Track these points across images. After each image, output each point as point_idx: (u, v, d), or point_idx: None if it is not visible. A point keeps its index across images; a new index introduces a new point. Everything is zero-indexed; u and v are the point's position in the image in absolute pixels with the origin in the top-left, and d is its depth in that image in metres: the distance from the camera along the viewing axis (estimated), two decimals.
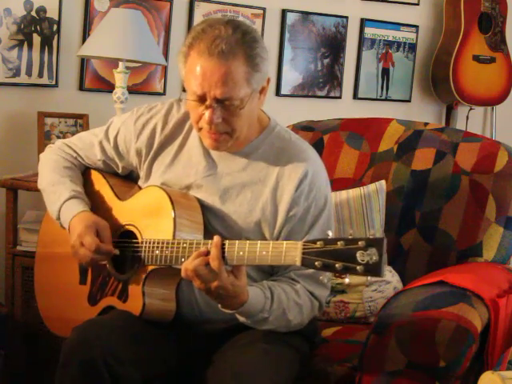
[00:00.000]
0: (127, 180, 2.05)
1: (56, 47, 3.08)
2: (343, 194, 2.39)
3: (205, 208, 1.86)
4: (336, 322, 2.28)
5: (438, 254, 2.33)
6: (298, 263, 1.56)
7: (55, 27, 3.06)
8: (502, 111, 4.50)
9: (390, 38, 4.10)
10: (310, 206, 1.84)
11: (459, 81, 4.16)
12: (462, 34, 4.14)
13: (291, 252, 1.57)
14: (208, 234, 1.81)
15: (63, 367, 1.72)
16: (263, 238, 1.84)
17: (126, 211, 1.92)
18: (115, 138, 2.00)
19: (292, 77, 3.80)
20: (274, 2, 3.67)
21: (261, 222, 1.85)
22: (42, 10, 3.02)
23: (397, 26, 4.10)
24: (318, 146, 2.57)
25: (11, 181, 2.73)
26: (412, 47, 4.19)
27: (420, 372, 1.72)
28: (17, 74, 2.99)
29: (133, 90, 3.17)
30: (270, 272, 1.87)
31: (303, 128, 2.66)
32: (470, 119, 4.39)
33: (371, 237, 1.49)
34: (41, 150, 2.12)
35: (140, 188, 1.98)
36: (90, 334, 1.73)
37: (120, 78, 2.91)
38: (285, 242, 1.62)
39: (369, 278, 1.51)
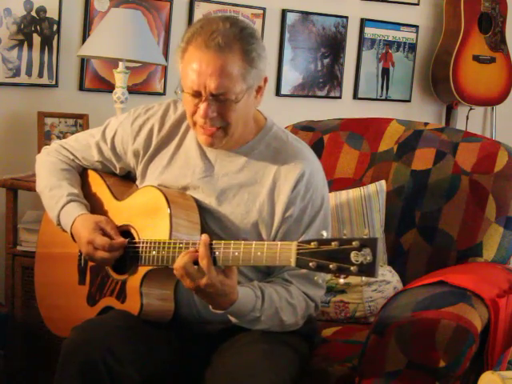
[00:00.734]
0: (125, 180, 2.05)
1: (56, 47, 3.08)
2: (343, 194, 2.39)
3: (202, 209, 1.86)
4: (336, 322, 2.28)
5: (438, 254, 2.33)
6: (293, 264, 1.56)
7: (55, 27, 3.06)
8: (502, 111, 4.50)
9: (390, 38, 4.10)
10: (306, 206, 1.84)
11: (459, 81, 4.16)
12: (461, 34, 4.14)
13: (286, 252, 1.57)
14: None
15: (62, 367, 1.72)
16: (260, 239, 1.83)
17: (123, 211, 1.92)
18: (112, 139, 1.99)
19: (292, 77, 3.80)
20: (273, 2, 3.67)
21: (258, 223, 1.85)
22: (42, 9, 3.02)
23: (397, 25, 4.10)
24: (318, 146, 2.57)
25: (11, 181, 2.73)
26: (412, 47, 4.19)
27: (420, 372, 1.72)
28: (17, 74, 2.99)
29: (133, 90, 3.17)
30: (267, 272, 1.87)
31: (303, 128, 2.66)
32: (470, 119, 4.39)
33: (365, 237, 1.48)
34: (41, 150, 2.12)
35: (137, 188, 1.98)
36: (89, 334, 1.73)
37: (120, 78, 2.91)
38: (279, 242, 1.62)
39: (363, 278, 1.50)
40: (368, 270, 1.46)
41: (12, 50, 2.97)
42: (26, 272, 2.69)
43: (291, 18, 3.73)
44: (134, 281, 1.83)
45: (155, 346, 1.82)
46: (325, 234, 1.55)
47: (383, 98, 4.14)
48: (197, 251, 1.66)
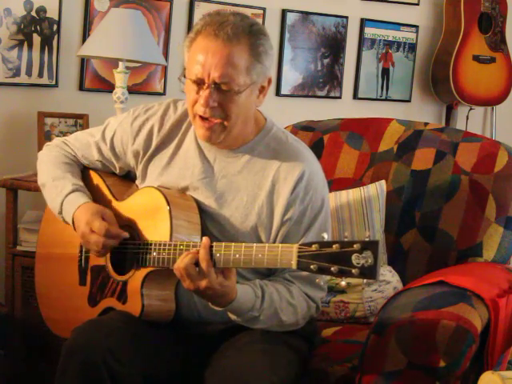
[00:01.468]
0: (125, 179, 2.05)
1: (56, 47, 3.08)
2: (343, 194, 2.39)
3: (201, 211, 1.86)
4: (336, 322, 2.28)
5: (438, 254, 2.33)
6: (294, 266, 1.56)
7: (55, 27, 3.06)
8: (502, 111, 4.50)
9: (390, 38, 4.10)
10: (305, 208, 1.83)
11: (459, 81, 4.16)
12: (461, 34, 4.14)
13: (287, 255, 1.57)
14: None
15: (63, 368, 1.72)
16: (260, 242, 1.83)
17: (123, 212, 1.92)
18: (112, 139, 1.99)
19: (292, 77, 3.80)
20: (273, 2, 3.67)
21: (257, 226, 1.84)
22: (42, 9, 3.02)
23: (397, 26, 4.10)
24: (318, 146, 2.57)
25: (11, 181, 2.73)
26: (412, 47, 4.19)
27: (420, 372, 1.72)
28: (17, 73, 2.99)
29: (133, 90, 3.17)
30: (267, 274, 1.87)
31: (303, 128, 2.66)
32: (470, 119, 4.39)
33: (366, 239, 1.48)
34: (41, 150, 2.12)
35: (137, 187, 1.98)
36: (89, 335, 1.73)
37: (120, 78, 2.91)
38: (280, 244, 1.62)
39: (364, 280, 1.51)
40: (369, 272, 1.47)
41: (12, 50, 2.97)
42: (26, 272, 2.70)
43: (291, 18, 3.73)
44: (134, 282, 1.83)
45: (156, 347, 1.82)
46: (326, 237, 1.55)
47: (383, 98, 4.14)
48: (198, 253, 1.66)
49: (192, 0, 3.41)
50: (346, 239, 1.51)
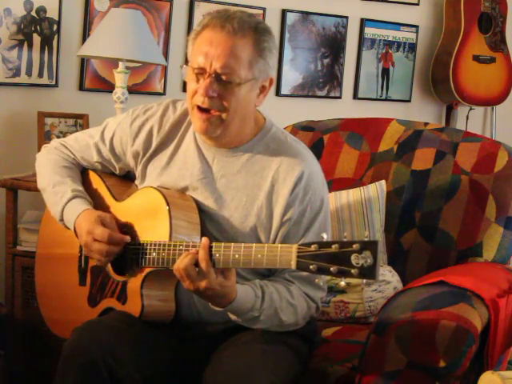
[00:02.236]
0: (124, 180, 2.05)
1: (56, 47, 3.08)
2: (343, 194, 2.39)
3: (200, 212, 1.85)
4: (336, 322, 2.28)
5: (438, 254, 2.32)
6: (294, 266, 1.56)
7: (55, 27, 3.06)
8: (502, 111, 4.50)
9: (390, 38, 4.10)
10: (305, 209, 1.83)
11: (459, 81, 4.16)
12: (461, 33, 4.14)
13: (286, 255, 1.57)
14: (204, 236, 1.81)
15: (63, 368, 1.72)
16: (259, 242, 1.82)
17: (123, 212, 1.92)
18: (111, 140, 1.99)
19: (292, 77, 3.80)
20: (273, 2, 3.67)
21: (256, 227, 1.84)
22: (42, 9, 3.02)
23: (397, 26, 4.10)
24: (318, 146, 2.57)
25: (11, 181, 2.73)
26: (412, 47, 4.19)
27: (420, 372, 1.72)
28: (17, 73, 2.99)
29: (133, 90, 3.17)
30: (266, 274, 1.87)
31: (303, 128, 2.66)
32: (470, 119, 4.39)
33: (366, 239, 1.48)
34: (40, 150, 2.12)
35: (137, 188, 1.98)
36: (89, 335, 1.73)
37: (120, 78, 2.91)
38: (280, 245, 1.62)
39: (364, 280, 1.50)
40: (369, 272, 1.47)
41: (12, 50, 2.97)
42: (26, 272, 2.69)
43: (291, 18, 3.73)
44: (134, 282, 1.83)
45: (156, 347, 1.82)
46: (325, 237, 1.55)
47: (383, 98, 4.14)
48: (197, 253, 1.66)
49: (192, 0, 3.41)
50: (345, 239, 1.51)
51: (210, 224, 1.86)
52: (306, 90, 3.85)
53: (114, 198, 1.97)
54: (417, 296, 1.88)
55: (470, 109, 4.36)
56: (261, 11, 3.60)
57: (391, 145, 2.50)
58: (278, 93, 3.75)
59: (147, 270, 1.80)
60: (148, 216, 1.85)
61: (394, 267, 2.34)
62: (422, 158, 2.42)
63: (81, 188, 1.98)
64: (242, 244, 1.64)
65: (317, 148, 2.54)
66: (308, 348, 1.94)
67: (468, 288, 1.90)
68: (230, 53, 1.74)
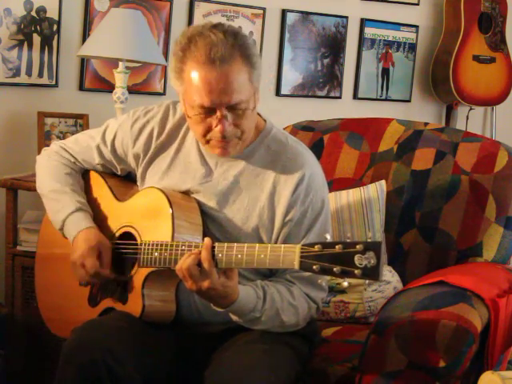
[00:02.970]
0: (126, 180, 2.05)
1: (56, 47, 3.07)
2: (343, 194, 2.39)
3: (202, 214, 1.85)
4: (336, 322, 2.28)
5: (438, 254, 2.33)
6: (297, 267, 1.56)
7: (55, 27, 3.06)
8: (502, 111, 4.50)
9: (390, 38, 4.10)
10: (306, 210, 1.84)
11: (459, 81, 4.16)
12: (461, 34, 4.14)
13: (289, 255, 1.57)
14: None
15: (63, 368, 1.72)
16: (261, 243, 1.83)
17: (125, 212, 1.92)
18: (112, 141, 1.99)
19: (292, 77, 3.80)
20: (273, 2, 3.67)
21: (258, 228, 1.84)
22: (42, 9, 3.02)
23: (397, 26, 4.10)
24: (318, 146, 2.57)
25: (11, 181, 2.73)
26: (412, 47, 4.19)
27: (420, 372, 1.72)
28: (17, 73, 2.99)
29: (133, 90, 3.17)
30: (268, 274, 1.87)
31: (303, 128, 2.66)
32: (470, 119, 4.39)
33: (369, 240, 1.49)
34: (41, 150, 2.11)
35: (139, 188, 1.98)
36: (89, 335, 1.73)
37: (120, 78, 2.91)
38: (283, 245, 1.62)
39: (367, 281, 1.51)
40: (372, 273, 1.47)
41: (12, 50, 2.97)
42: (26, 272, 2.69)
43: (291, 17, 3.73)
44: (135, 282, 1.83)
45: (156, 347, 1.82)
46: (328, 237, 1.55)
47: (383, 98, 4.14)
48: (200, 253, 1.65)
49: (192, 0, 3.41)
50: (348, 240, 1.51)
51: (212, 225, 1.86)
52: (306, 90, 3.85)
53: (116, 198, 1.97)
54: (417, 296, 1.88)
55: (470, 109, 4.36)
56: (261, 11, 3.60)
57: (391, 145, 2.50)
58: (278, 93, 3.75)
59: (148, 270, 1.80)
60: (150, 216, 1.85)
61: (393, 267, 2.34)
62: (422, 158, 2.42)
63: (83, 199, 1.99)
64: (245, 244, 1.64)
65: (317, 148, 2.54)
66: (308, 348, 1.94)
67: (468, 288, 1.90)
68: (233, 86, 1.71)
